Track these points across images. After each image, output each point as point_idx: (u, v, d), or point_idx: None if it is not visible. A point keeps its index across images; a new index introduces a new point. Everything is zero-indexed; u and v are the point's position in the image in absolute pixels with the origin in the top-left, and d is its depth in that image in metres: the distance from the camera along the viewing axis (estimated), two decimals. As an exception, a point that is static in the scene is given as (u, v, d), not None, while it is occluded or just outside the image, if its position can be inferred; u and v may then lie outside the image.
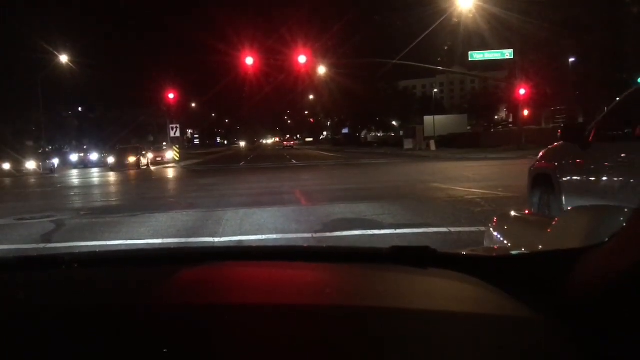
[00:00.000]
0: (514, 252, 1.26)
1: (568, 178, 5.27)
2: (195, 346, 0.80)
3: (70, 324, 0.90)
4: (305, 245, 4.79)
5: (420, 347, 0.79)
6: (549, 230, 1.42)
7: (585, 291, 0.87)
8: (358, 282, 1.13)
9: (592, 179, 4.87)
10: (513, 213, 1.94)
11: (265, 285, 1.12)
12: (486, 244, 1.63)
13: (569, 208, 1.61)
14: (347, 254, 1.35)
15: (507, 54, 30.13)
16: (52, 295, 1.10)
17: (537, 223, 1.74)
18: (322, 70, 35.89)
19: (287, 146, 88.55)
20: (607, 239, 0.92)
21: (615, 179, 4.53)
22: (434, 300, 0.99)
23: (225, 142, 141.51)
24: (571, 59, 37.23)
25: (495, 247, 1.52)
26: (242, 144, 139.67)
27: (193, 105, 75.93)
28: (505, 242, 1.51)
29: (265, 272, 1.21)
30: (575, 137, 5.17)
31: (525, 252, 1.25)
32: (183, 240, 6.95)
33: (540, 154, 6.25)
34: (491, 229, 1.63)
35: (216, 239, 6.79)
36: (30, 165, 31.36)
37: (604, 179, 4.69)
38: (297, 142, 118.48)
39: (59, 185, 20.95)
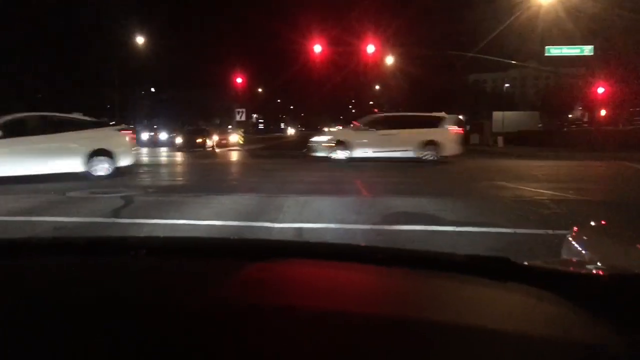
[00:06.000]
0: (606, 272, 1.12)
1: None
2: (255, 346, 0.78)
3: (130, 314, 0.90)
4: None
5: None
6: (638, 246, 1.30)
7: None
8: (431, 293, 1.06)
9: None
10: (592, 223, 1.82)
11: (331, 288, 1.07)
12: (564, 254, 1.52)
13: None
14: (419, 258, 1.27)
15: (587, 50, 28.61)
16: (114, 282, 1.10)
17: (621, 236, 1.62)
18: (390, 60, 35.47)
19: None
20: None
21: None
22: (513, 320, 0.90)
23: (290, 128, 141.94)
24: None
25: (574, 259, 1.41)
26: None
27: (259, 90, 77.02)
28: (586, 254, 1.40)
29: (331, 274, 1.16)
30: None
31: (621, 272, 1.13)
32: (244, 223, 7.05)
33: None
34: (570, 239, 1.52)
35: (276, 225, 6.84)
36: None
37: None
38: None
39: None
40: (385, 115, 21.32)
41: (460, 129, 20.89)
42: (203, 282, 1.09)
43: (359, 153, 19.45)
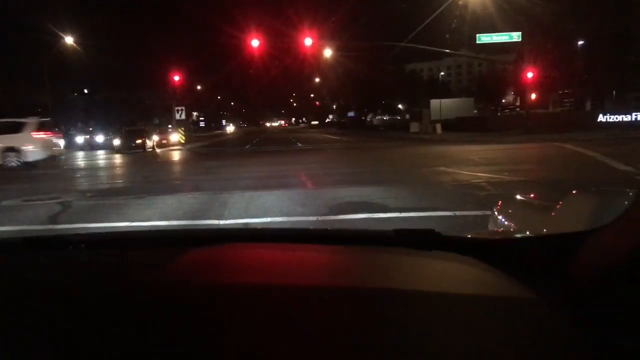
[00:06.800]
0: (517, 235, 1.26)
1: None
2: (201, 326, 0.81)
3: (75, 305, 0.91)
4: (312, 228, 4.80)
5: (424, 328, 0.80)
6: (552, 214, 1.42)
7: (589, 274, 0.87)
8: (364, 264, 1.14)
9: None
10: (518, 197, 1.94)
11: (272, 266, 1.14)
12: (491, 227, 1.63)
13: (573, 191, 1.60)
14: (353, 237, 1.36)
15: (516, 36, 29.65)
16: (58, 276, 1.11)
17: (541, 206, 1.75)
18: (328, 53, 35.65)
19: (284, 127, 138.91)
20: (609, 222, 0.92)
21: None
22: (438, 283, 1.00)
23: (231, 125, 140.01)
24: (580, 42, 36.85)
25: (500, 230, 1.52)
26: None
27: (199, 87, 75.68)
28: (510, 225, 1.51)
29: (272, 254, 1.22)
30: None
31: (529, 235, 1.26)
32: (189, 222, 6.98)
33: None
34: (496, 212, 1.64)
35: (222, 222, 6.81)
36: (37, 147, 31.34)
37: None
38: (304, 124, 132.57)
39: (64, 167, 21.02)
40: None
41: (47, 133, 20.35)
42: (145, 269, 1.11)
43: None
